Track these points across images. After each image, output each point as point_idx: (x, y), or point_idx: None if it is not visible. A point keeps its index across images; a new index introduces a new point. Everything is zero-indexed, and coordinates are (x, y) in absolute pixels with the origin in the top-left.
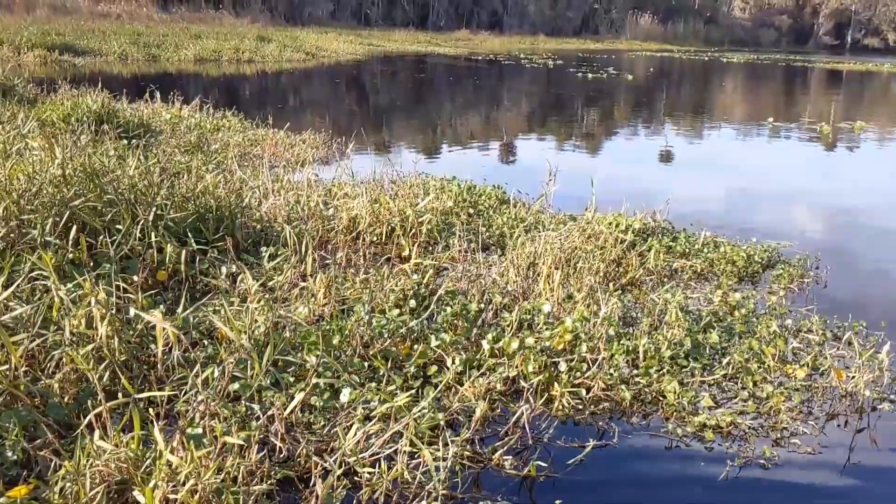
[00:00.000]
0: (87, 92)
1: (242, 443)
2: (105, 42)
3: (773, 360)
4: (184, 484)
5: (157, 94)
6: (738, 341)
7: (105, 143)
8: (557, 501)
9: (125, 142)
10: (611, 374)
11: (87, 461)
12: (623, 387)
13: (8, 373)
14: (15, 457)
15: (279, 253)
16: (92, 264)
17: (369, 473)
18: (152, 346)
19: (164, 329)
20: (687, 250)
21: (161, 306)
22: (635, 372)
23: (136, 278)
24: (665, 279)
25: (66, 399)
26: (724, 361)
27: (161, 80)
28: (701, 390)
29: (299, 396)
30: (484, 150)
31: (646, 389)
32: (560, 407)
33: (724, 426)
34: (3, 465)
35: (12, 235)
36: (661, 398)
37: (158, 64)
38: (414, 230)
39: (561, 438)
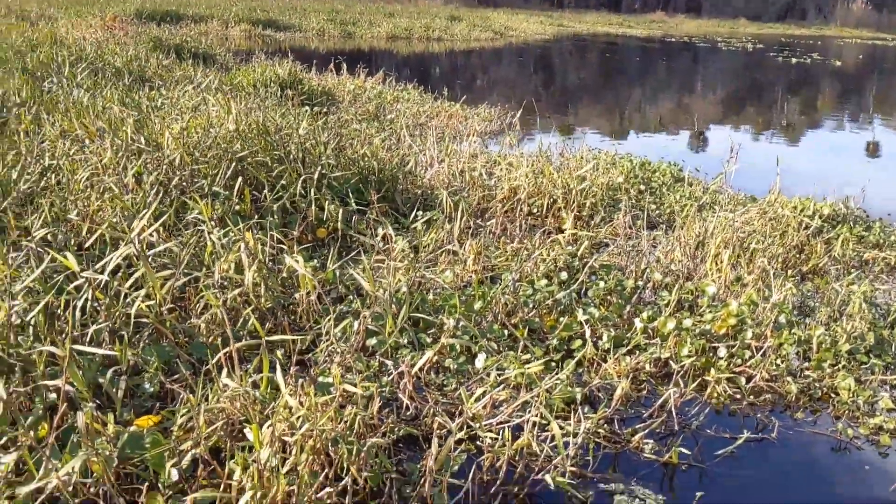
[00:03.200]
0: (279, 62)
1: (361, 392)
2: (305, 18)
3: None
4: (299, 427)
5: (344, 66)
6: None
7: (286, 106)
8: (699, 493)
9: (307, 108)
10: (777, 365)
11: (214, 398)
12: (790, 379)
13: (153, 308)
14: (151, 389)
15: (435, 218)
16: (256, 217)
17: (492, 439)
18: (296, 295)
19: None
20: (881, 241)
21: (315, 261)
22: (805, 364)
23: (294, 233)
24: (853, 270)
25: (210, 339)
26: None
27: (353, 55)
28: (881, 390)
29: (429, 353)
30: (673, 137)
31: (816, 384)
32: (714, 394)
33: None
34: (140, 396)
35: (184, 184)
36: (832, 395)
37: (353, 40)
38: (577, 203)
39: (711, 427)
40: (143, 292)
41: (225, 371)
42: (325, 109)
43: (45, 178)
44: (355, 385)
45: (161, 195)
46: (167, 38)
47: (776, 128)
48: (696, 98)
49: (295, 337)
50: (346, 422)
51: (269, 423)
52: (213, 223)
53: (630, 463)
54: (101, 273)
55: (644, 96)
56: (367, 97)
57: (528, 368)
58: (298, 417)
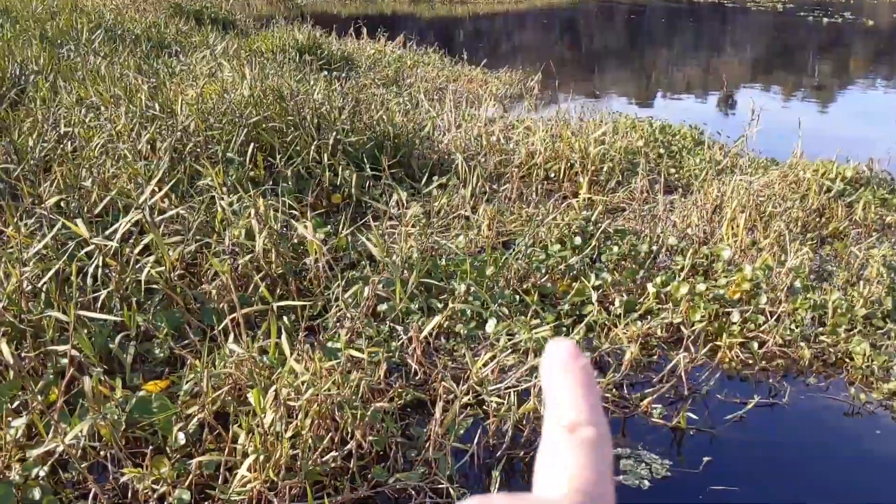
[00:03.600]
0: (297, 27)
1: (366, 357)
2: None
3: None
4: (304, 392)
5: (364, 31)
6: None
7: (303, 72)
8: (706, 458)
9: (325, 73)
10: (791, 330)
11: (221, 363)
12: (803, 344)
13: (163, 275)
14: (162, 355)
15: (449, 183)
16: (271, 183)
17: (497, 403)
18: (307, 260)
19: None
20: None
21: (328, 227)
22: (820, 329)
23: (309, 199)
24: (875, 233)
25: (221, 305)
26: None
27: (376, 19)
28: None
29: (437, 318)
30: (701, 100)
31: (830, 349)
32: (726, 359)
33: None
34: (151, 361)
35: (198, 150)
36: (847, 360)
37: (375, 4)
38: (594, 168)
39: (722, 392)
40: (152, 258)
41: (231, 337)
42: (343, 74)
43: (61, 146)
44: (361, 350)
45: (175, 162)
46: (187, 3)
47: (807, 90)
48: (725, 60)
49: (302, 303)
50: (351, 387)
51: (273, 388)
52: (226, 189)
53: (639, 428)
54: (111, 239)
55: (671, 59)
56: (386, 62)
57: (536, 333)
58: (304, 382)
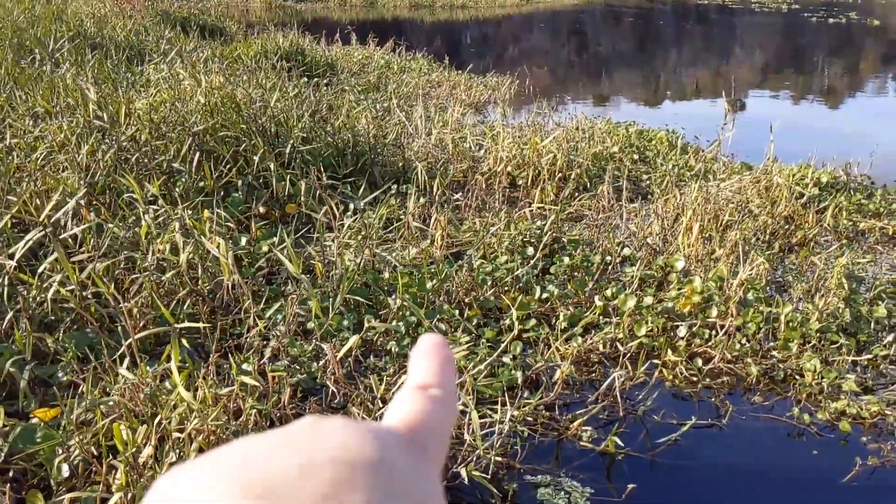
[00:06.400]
0: (283, 33)
1: (256, 383)
2: None
3: None
4: (192, 421)
5: (353, 36)
6: None
7: (273, 79)
8: (631, 485)
9: (305, 79)
10: (741, 345)
11: (114, 390)
12: (750, 360)
13: (75, 293)
14: (64, 378)
15: (408, 192)
16: (222, 193)
17: None
18: (225, 277)
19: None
20: (881, 210)
21: (274, 238)
22: (772, 344)
23: (260, 209)
24: (846, 240)
25: (142, 324)
26: (889, 339)
27: (375, 25)
28: (848, 371)
29: (354, 339)
30: (707, 104)
31: (780, 365)
32: (669, 377)
33: (868, 416)
34: (56, 385)
35: (146, 160)
36: (796, 377)
37: (375, 10)
38: (561, 175)
39: (660, 413)
40: (58, 277)
41: (126, 361)
42: (325, 81)
43: (10, 157)
44: (264, 374)
45: (120, 173)
46: (175, 11)
47: (816, 93)
48: (732, 62)
49: (205, 325)
50: (248, 414)
51: (158, 417)
52: (162, 201)
53: (567, 452)
54: (12, 258)
55: (679, 62)
56: (373, 67)
57: (456, 353)
58: (191, 410)
